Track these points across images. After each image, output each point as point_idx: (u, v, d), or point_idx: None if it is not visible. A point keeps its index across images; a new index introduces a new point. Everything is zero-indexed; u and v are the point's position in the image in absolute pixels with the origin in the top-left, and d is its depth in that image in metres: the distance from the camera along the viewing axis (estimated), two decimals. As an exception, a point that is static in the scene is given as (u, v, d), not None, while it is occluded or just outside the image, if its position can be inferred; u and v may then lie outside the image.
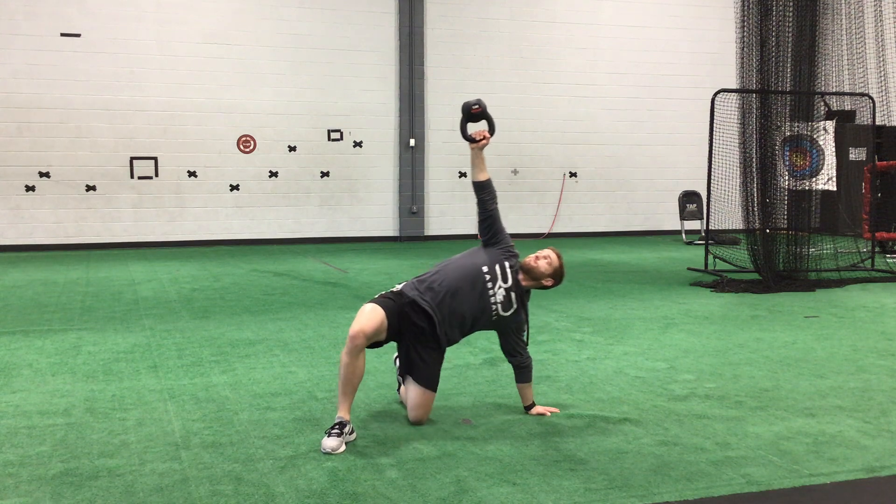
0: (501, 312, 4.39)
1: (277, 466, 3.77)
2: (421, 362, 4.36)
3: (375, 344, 4.28)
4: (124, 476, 3.65)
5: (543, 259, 4.46)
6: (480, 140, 4.44)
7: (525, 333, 4.59)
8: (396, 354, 4.67)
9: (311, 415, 4.57)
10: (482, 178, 4.49)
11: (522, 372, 4.57)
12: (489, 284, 4.34)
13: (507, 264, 4.42)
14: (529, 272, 4.46)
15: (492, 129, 4.51)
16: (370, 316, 4.14)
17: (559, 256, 4.53)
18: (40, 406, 4.74)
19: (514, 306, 4.42)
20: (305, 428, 4.33)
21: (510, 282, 4.39)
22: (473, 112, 4.46)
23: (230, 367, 5.68)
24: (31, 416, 4.54)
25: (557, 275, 4.50)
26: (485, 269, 4.36)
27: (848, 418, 4.54)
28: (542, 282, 4.48)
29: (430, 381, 4.38)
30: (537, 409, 4.57)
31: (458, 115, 4.73)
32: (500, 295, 4.36)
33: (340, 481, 3.59)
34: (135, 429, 4.32)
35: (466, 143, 4.51)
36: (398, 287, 4.44)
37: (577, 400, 4.88)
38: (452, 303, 4.30)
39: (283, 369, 5.63)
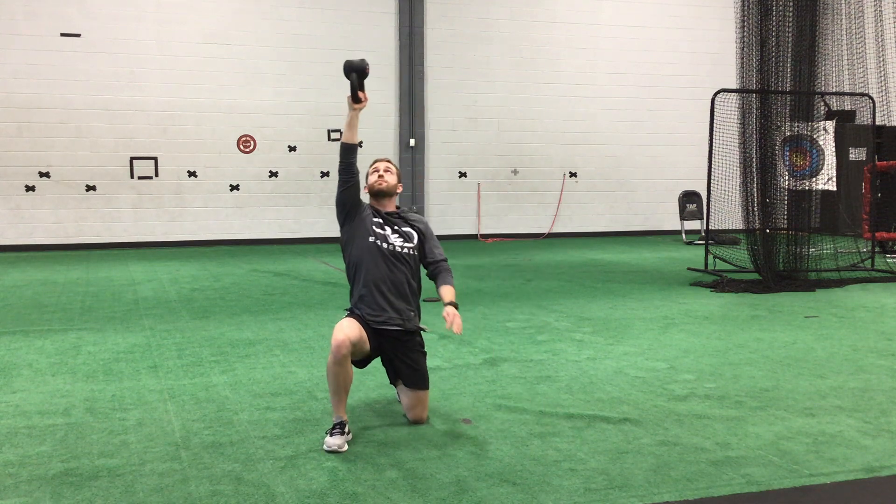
0: (413, 244, 4.41)
1: (277, 466, 3.77)
2: (407, 368, 4.36)
3: (363, 362, 4.36)
4: (124, 476, 3.65)
5: (386, 173, 4.45)
6: (364, 101, 4.38)
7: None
8: None
9: (311, 415, 4.57)
10: (357, 140, 4.40)
11: (444, 274, 4.49)
12: (385, 245, 4.33)
13: (377, 219, 4.39)
14: (387, 194, 4.46)
15: (362, 89, 4.41)
16: (350, 325, 4.14)
17: (387, 160, 4.55)
18: (40, 406, 4.74)
19: (410, 228, 4.44)
20: (305, 428, 4.33)
21: (389, 223, 4.40)
22: (367, 73, 4.40)
23: (230, 367, 5.68)
24: (31, 416, 4.54)
25: (400, 175, 4.57)
26: (370, 239, 4.33)
27: (848, 418, 4.54)
28: (398, 190, 4.53)
29: (422, 381, 4.38)
30: (450, 308, 4.21)
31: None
32: (396, 241, 4.37)
33: (340, 481, 3.59)
34: (135, 429, 4.32)
35: (353, 104, 4.34)
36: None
37: (577, 400, 4.87)
38: (385, 289, 4.28)
39: (283, 369, 5.63)
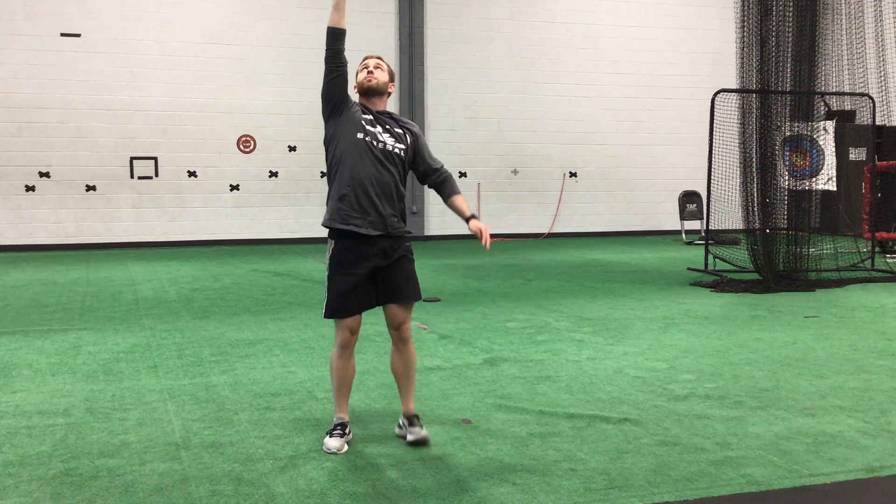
0: (405, 146, 4.11)
1: (277, 466, 3.77)
2: (397, 279, 4.06)
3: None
4: (124, 476, 3.65)
5: (376, 69, 4.12)
6: None
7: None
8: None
9: (311, 415, 4.57)
10: (345, 24, 4.05)
11: (450, 182, 4.26)
12: (375, 142, 4.02)
13: (367, 115, 4.07)
14: (377, 92, 4.11)
15: None
16: (353, 319, 3.99)
17: (378, 56, 4.22)
18: (40, 406, 4.74)
19: (402, 129, 4.14)
20: (305, 428, 4.33)
21: (380, 122, 4.09)
22: None
23: (230, 367, 5.68)
24: (31, 416, 4.54)
25: (392, 73, 4.22)
26: (359, 135, 4.01)
27: (848, 418, 4.54)
28: (389, 90, 4.19)
29: (414, 290, 4.13)
30: (476, 222, 4.11)
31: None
32: (388, 140, 4.06)
33: (340, 481, 3.59)
34: (135, 429, 4.32)
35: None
36: (329, 244, 4.09)
37: (577, 400, 4.87)
38: (370, 189, 3.98)
39: (283, 369, 5.63)
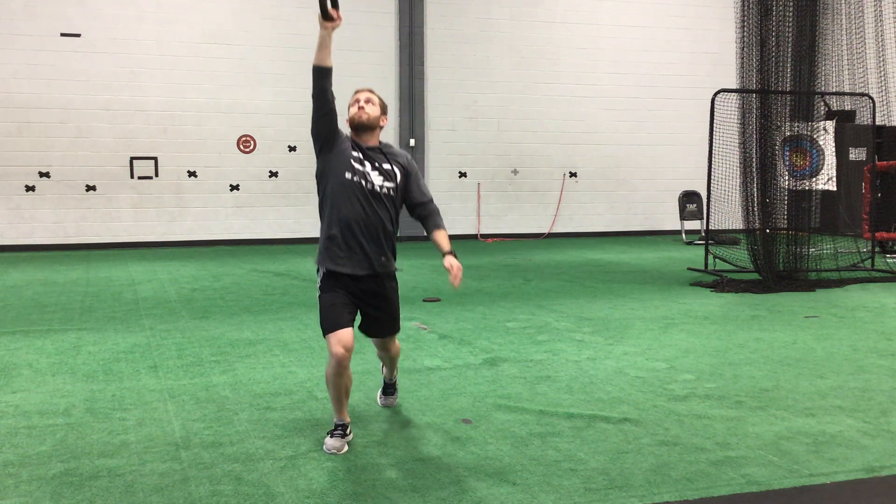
0: (394, 184, 4.09)
1: (277, 466, 3.77)
2: (384, 316, 4.18)
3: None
4: (124, 476, 3.65)
5: (367, 104, 4.08)
6: (338, 19, 3.95)
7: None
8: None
9: (311, 415, 4.57)
10: (330, 62, 4.01)
11: (434, 217, 4.21)
12: (364, 182, 4.00)
13: (356, 153, 4.03)
14: (368, 127, 4.07)
15: (336, 6, 3.97)
16: (347, 334, 3.97)
17: (370, 89, 4.18)
18: (40, 406, 4.74)
19: (392, 165, 4.10)
20: (305, 428, 4.33)
21: (370, 158, 4.05)
22: None
23: (230, 367, 5.68)
24: (31, 416, 4.54)
25: (384, 106, 4.17)
26: (347, 175, 3.99)
27: (848, 418, 4.54)
28: (382, 123, 4.15)
29: (393, 327, 4.27)
30: (451, 259, 4.01)
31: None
32: (377, 180, 4.03)
33: (340, 481, 3.59)
34: (135, 429, 4.32)
35: (324, 22, 3.94)
36: (319, 272, 4.12)
37: (577, 400, 4.87)
38: (357, 231, 3.99)
39: (283, 369, 5.63)
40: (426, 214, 4.22)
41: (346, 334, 3.96)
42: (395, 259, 4.21)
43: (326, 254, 4.04)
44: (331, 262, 4.03)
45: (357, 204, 3.99)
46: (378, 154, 4.10)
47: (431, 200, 4.27)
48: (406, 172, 4.16)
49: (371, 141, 4.12)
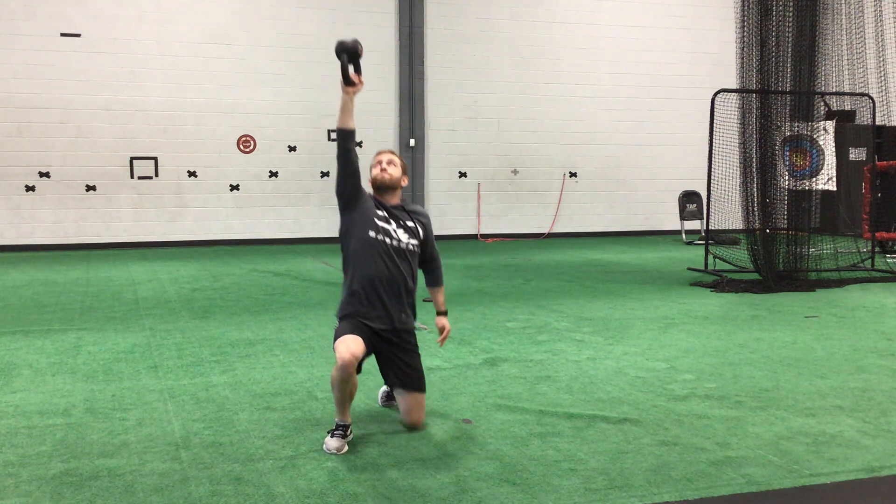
0: (418, 241, 4.32)
1: (277, 466, 3.77)
2: (399, 369, 4.28)
3: (358, 365, 4.20)
4: (124, 476, 3.65)
5: (389, 165, 4.29)
6: (359, 84, 4.16)
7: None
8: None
9: (311, 415, 4.57)
10: (353, 125, 4.23)
11: (437, 274, 4.53)
12: (388, 240, 4.20)
13: (381, 212, 4.25)
14: (390, 187, 4.29)
15: (358, 71, 4.19)
16: (355, 341, 4.02)
17: (391, 151, 4.39)
18: (40, 406, 4.74)
19: (415, 224, 4.33)
20: (305, 428, 4.33)
21: (394, 217, 4.27)
22: (360, 54, 4.17)
23: (230, 367, 5.68)
24: (31, 416, 4.54)
25: (405, 167, 4.40)
26: (371, 233, 4.19)
27: (848, 418, 4.54)
28: (403, 183, 4.38)
29: (417, 383, 4.32)
30: (443, 320, 4.50)
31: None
32: (403, 237, 4.26)
33: (340, 481, 3.59)
34: (135, 429, 4.32)
35: (346, 87, 4.14)
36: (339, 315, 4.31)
37: (577, 400, 4.87)
38: (380, 288, 4.17)
39: (283, 369, 5.63)
40: (431, 269, 4.53)
41: (355, 341, 4.01)
42: (414, 317, 4.39)
43: (349, 308, 4.23)
44: (352, 317, 4.23)
45: (381, 261, 4.19)
46: (401, 212, 4.33)
47: (439, 258, 4.56)
48: (426, 229, 4.41)
49: (393, 200, 4.33)
